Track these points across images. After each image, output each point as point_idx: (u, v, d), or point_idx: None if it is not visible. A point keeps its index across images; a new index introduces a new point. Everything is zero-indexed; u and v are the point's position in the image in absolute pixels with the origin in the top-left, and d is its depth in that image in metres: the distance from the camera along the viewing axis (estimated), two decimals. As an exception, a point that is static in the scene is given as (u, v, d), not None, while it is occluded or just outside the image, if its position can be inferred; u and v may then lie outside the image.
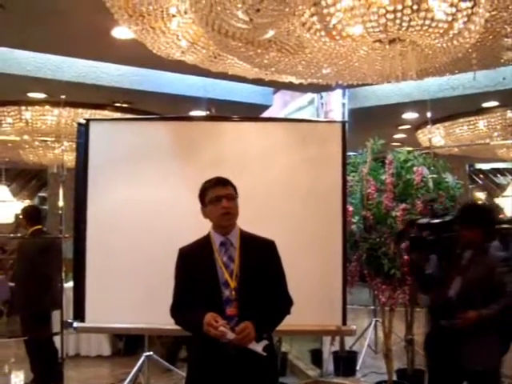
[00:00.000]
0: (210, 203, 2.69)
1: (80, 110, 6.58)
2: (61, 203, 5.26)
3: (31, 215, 5.52)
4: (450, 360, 3.33)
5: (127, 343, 6.42)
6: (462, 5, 2.55)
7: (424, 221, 3.68)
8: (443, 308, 3.36)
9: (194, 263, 2.72)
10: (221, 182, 2.71)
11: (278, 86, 6.33)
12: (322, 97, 6.19)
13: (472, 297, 3.25)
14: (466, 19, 2.62)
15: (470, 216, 3.45)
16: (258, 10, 2.59)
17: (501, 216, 7.97)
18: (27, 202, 11.43)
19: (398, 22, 2.52)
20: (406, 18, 2.50)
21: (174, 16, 3.25)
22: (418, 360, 5.37)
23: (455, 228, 3.45)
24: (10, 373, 6.17)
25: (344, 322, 4.23)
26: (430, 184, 4.53)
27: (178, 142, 4.33)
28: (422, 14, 2.50)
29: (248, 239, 2.74)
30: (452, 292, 3.34)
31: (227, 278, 2.63)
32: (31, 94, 6.33)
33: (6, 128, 6.78)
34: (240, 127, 4.51)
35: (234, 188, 2.76)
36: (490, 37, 3.24)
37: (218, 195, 2.67)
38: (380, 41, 2.82)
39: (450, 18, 2.57)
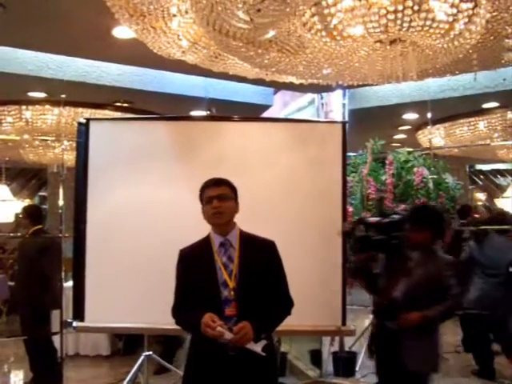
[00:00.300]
0: (205, 204, 2.71)
1: (80, 110, 6.59)
2: (61, 202, 5.27)
3: (33, 215, 5.51)
4: (394, 361, 3.29)
5: (126, 343, 6.41)
6: (463, 6, 2.55)
7: (372, 220, 3.61)
8: (388, 309, 3.33)
9: (193, 264, 2.72)
10: (214, 183, 2.72)
11: (278, 86, 6.33)
12: (322, 97, 6.18)
13: (417, 298, 3.21)
14: (466, 20, 2.62)
15: (419, 217, 3.42)
16: (259, 10, 2.59)
17: (477, 215, 7.96)
18: (27, 202, 11.44)
19: (398, 22, 2.53)
20: (406, 19, 2.51)
21: (174, 16, 3.25)
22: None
23: (404, 228, 3.40)
24: (10, 372, 6.16)
25: (343, 323, 4.24)
26: (430, 185, 4.54)
27: (178, 142, 4.33)
28: (423, 15, 2.51)
29: (248, 240, 2.74)
30: (397, 293, 3.30)
31: (226, 278, 2.63)
32: (32, 94, 6.34)
33: (7, 127, 6.78)
34: (240, 127, 4.51)
35: (232, 188, 2.75)
36: (491, 38, 3.25)
37: (209, 196, 2.68)
38: (381, 41, 2.82)
39: (450, 19, 2.57)
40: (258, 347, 2.51)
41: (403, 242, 3.40)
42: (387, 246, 3.43)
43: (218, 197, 2.66)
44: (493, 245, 5.43)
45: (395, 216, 3.57)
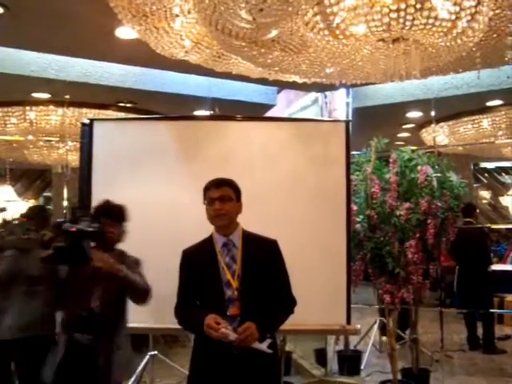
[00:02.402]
0: (207, 205, 2.71)
1: (84, 110, 6.60)
2: (65, 203, 5.28)
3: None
4: (94, 378, 2.87)
5: (132, 342, 6.40)
6: (466, 4, 2.55)
7: (66, 226, 2.95)
8: (84, 321, 2.91)
9: (197, 264, 2.73)
10: (216, 184, 2.71)
11: (281, 85, 6.33)
12: (325, 96, 6.18)
13: (112, 306, 2.98)
14: (469, 18, 2.62)
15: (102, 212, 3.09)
16: (262, 10, 2.59)
17: None
18: (32, 202, 11.46)
19: (401, 20, 2.53)
20: (409, 17, 2.51)
21: (177, 16, 3.25)
22: (422, 359, 5.37)
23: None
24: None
25: (348, 321, 4.23)
26: (434, 183, 4.52)
27: (181, 142, 4.33)
28: (426, 13, 2.50)
29: (250, 239, 2.74)
30: (95, 303, 2.93)
31: (229, 278, 2.63)
32: (35, 94, 6.36)
33: (11, 128, 6.80)
34: (244, 127, 4.50)
35: (234, 188, 2.74)
36: (494, 35, 3.24)
37: (211, 197, 2.68)
38: (383, 40, 2.82)
39: (453, 17, 2.57)
40: (263, 346, 2.52)
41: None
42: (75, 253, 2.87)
43: (219, 199, 2.66)
44: None
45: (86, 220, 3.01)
